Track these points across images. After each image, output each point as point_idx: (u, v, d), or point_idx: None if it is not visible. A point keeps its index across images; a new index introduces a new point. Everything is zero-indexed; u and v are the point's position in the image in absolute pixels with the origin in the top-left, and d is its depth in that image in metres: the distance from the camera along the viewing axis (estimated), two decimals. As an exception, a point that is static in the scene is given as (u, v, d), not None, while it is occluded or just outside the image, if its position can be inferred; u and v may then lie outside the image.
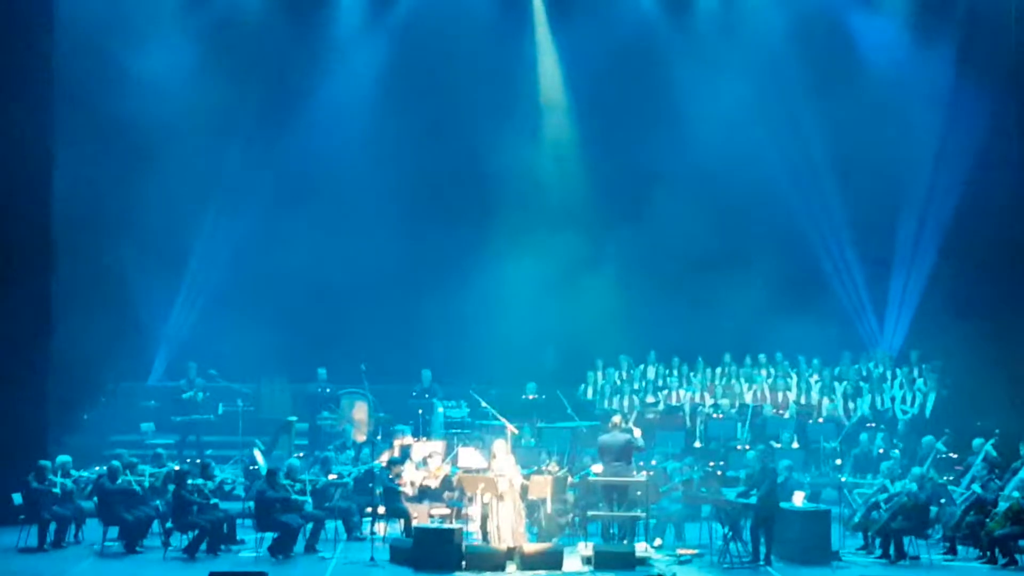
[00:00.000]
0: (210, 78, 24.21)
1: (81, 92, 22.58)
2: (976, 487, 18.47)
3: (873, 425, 22.82)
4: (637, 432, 18.55)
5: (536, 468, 19.03)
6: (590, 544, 17.49)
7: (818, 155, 25.17)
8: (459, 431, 22.58)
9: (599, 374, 24.92)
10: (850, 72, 25.25)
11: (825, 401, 23.61)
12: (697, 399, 23.95)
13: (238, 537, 18.57)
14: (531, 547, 17.33)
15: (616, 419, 19.28)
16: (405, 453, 19.85)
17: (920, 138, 24.93)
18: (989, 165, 24.04)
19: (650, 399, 24.03)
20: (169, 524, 17.94)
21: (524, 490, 18.07)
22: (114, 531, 18.16)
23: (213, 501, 18.19)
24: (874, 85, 25.09)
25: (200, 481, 18.23)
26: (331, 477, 19.42)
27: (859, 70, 25.38)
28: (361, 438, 22.74)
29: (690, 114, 24.96)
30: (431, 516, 18.42)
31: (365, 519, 19.15)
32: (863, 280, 25.77)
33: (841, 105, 24.65)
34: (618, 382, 24.58)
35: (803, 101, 24.93)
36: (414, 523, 18.09)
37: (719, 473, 20.77)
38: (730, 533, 17.55)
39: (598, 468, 18.10)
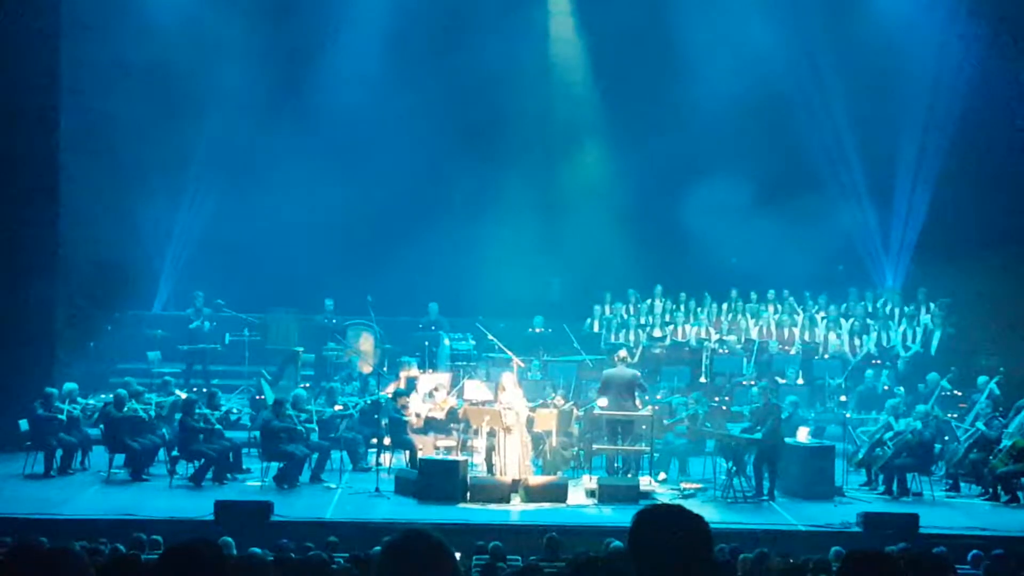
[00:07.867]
0: (219, 6, 23.98)
1: (89, 23, 22.35)
2: (980, 425, 18.55)
3: (879, 362, 22.83)
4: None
5: (542, 401, 19.08)
6: (594, 477, 17.60)
7: (832, 82, 24.88)
8: (465, 363, 22.57)
9: (606, 308, 24.88)
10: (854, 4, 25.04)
11: (831, 337, 23.58)
12: (703, 334, 23.90)
13: (244, 466, 18.68)
14: (536, 480, 17.41)
15: (622, 353, 19.34)
16: (411, 385, 19.89)
17: (919, 71, 24.60)
18: (990, 98, 23.69)
19: (656, 333, 24.03)
20: (175, 452, 18.04)
21: (530, 423, 18.12)
22: (120, 459, 18.23)
23: (218, 429, 18.28)
24: (874, 18, 24.77)
25: (207, 410, 18.29)
26: (337, 408, 19.48)
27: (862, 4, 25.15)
28: (367, 369, 22.74)
29: (700, 45, 24.68)
30: (436, 448, 18.47)
31: (370, 450, 19.22)
32: (874, 216, 25.62)
33: (847, 44, 24.48)
34: (625, 316, 24.55)
35: (812, 35, 24.65)
36: (419, 455, 18.11)
37: (724, 408, 20.86)
38: (734, 468, 17.60)
39: (603, 402, 18.15)
